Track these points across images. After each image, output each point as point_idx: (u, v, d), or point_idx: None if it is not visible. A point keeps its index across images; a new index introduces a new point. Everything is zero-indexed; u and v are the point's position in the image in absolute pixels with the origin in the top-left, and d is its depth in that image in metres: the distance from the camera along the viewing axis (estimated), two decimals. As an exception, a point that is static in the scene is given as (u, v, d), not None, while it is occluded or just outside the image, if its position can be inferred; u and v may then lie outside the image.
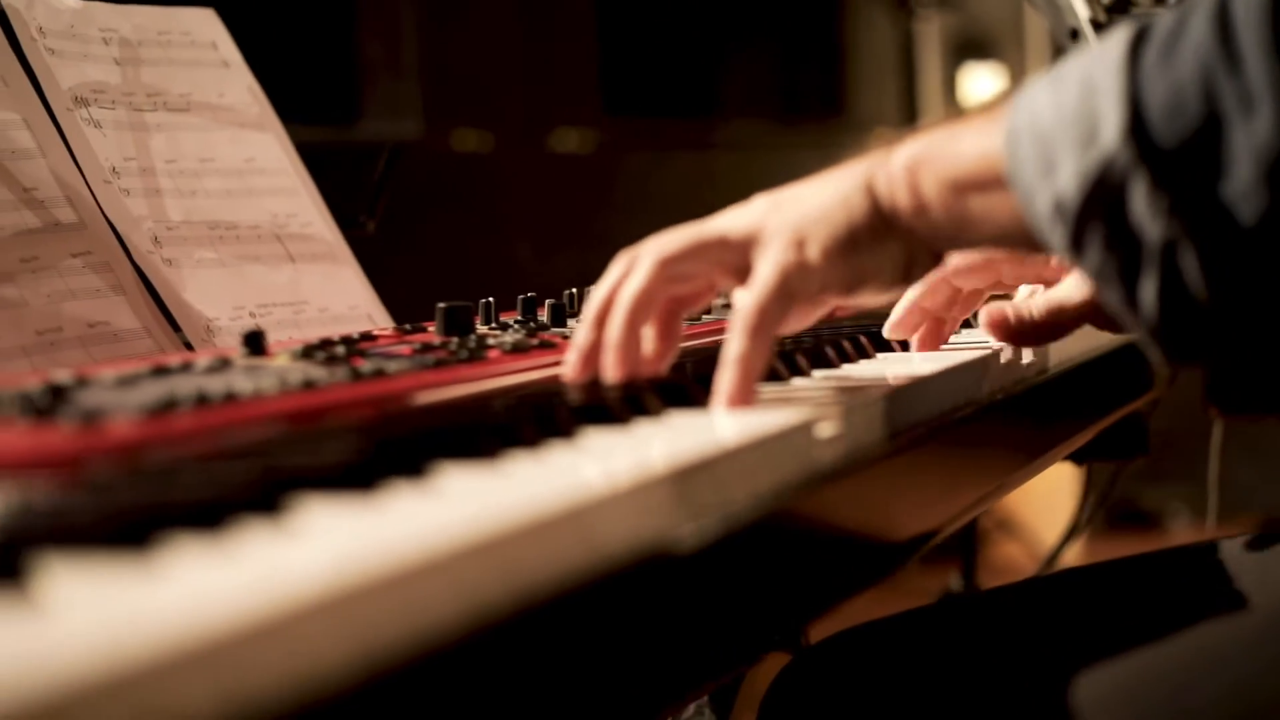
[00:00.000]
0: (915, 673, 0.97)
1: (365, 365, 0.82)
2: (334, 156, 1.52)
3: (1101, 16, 1.50)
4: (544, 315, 1.10)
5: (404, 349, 0.92)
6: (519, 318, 1.11)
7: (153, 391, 0.72)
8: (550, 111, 3.02)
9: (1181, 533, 4.25)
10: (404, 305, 1.31)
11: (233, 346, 1.07)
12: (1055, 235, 0.72)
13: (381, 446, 0.61)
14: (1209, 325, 0.70)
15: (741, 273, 0.83)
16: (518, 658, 0.51)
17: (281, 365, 0.85)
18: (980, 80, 4.26)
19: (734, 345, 0.80)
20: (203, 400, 0.69)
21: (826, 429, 0.74)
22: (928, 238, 0.81)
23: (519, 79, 2.96)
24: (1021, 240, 0.75)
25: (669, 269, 0.83)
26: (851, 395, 0.83)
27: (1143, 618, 0.95)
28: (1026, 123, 0.73)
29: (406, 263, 1.56)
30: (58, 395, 0.70)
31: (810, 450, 0.73)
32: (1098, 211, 0.70)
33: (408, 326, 1.04)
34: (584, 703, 0.54)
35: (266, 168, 1.29)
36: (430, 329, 1.04)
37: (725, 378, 0.79)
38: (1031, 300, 1.02)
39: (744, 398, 0.79)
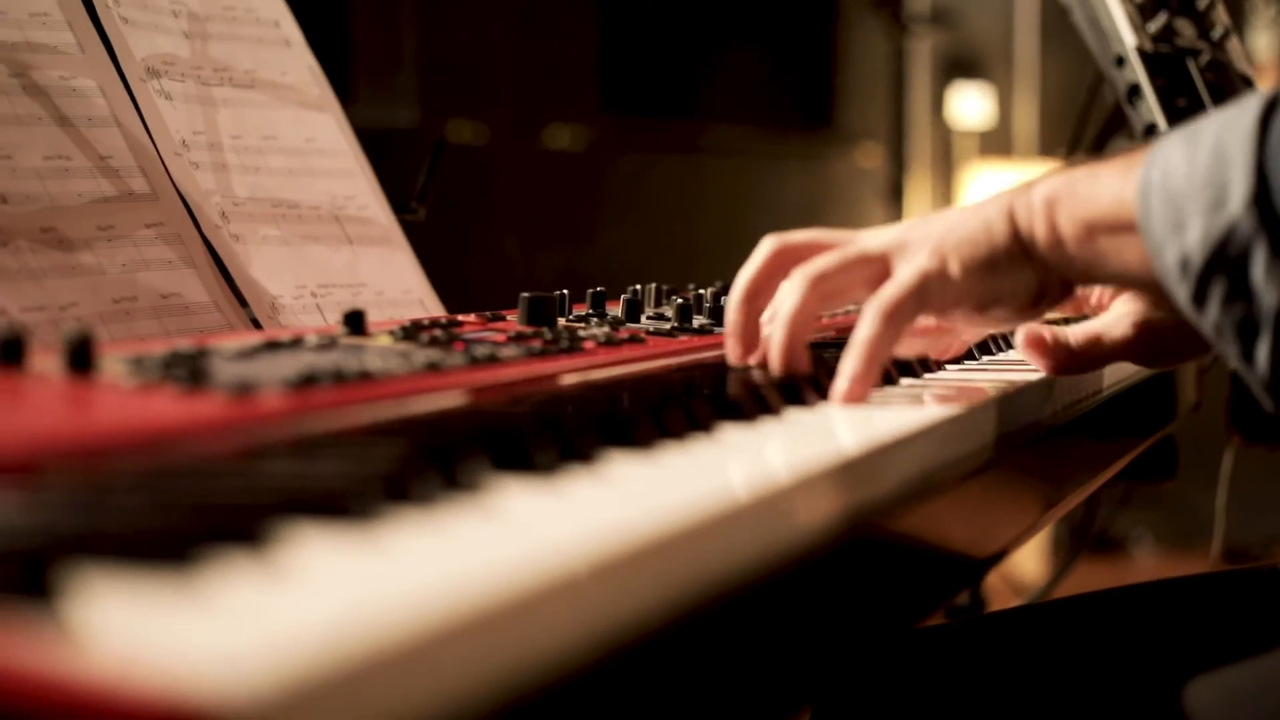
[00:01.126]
0: (955, 686, 0.98)
1: (479, 350, 0.82)
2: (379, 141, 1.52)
3: (1148, 45, 1.52)
4: (618, 310, 1.10)
5: (497, 336, 0.92)
6: (590, 310, 1.11)
7: (285, 365, 0.72)
8: (545, 106, 3.02)
9: (1145, 559, 4.29)
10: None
11: (314, 325, 1.07)
12: (1180, 289, 0.76)
13: (552, 428, 0.61)
14: None
15: (882, 283, 0.85)
16: (717, 640, 0.51)
17: (388, 345, 0.85)
18: (968, 99, 4.28)
19: (865, 329, 0.82)
20: (340, 376, 0.69)
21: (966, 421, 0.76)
22: (1060, 269, 0.85)
23: (516, 72, 2.96)
24: (1147, 285, 0.79)
25: (822, 286, 0.85)
26: (965, 395, 0.85)
27: (1164, 645, 0.97)
28: (1160, 179, 0.77)
29: (442, 251, 1.55)
30: (195, 364, 0.70)
31: (944, 447, 0.74)
32: (1220, 272, 0.74)
33: (489, 315, 1.04)
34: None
35: (326, 148, 1.29)
36: (509, 317, 1.04)
37: (851, 360, 0.82)
38: (1071, 328, 1.02)
39: (867, 381, 0.82)
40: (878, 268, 0.86)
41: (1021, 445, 0.88)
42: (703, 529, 0.51)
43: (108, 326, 1.01)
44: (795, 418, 0.76)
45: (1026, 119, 4.37)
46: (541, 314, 1.01)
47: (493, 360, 0.80)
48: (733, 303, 0.90)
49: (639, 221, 3.17)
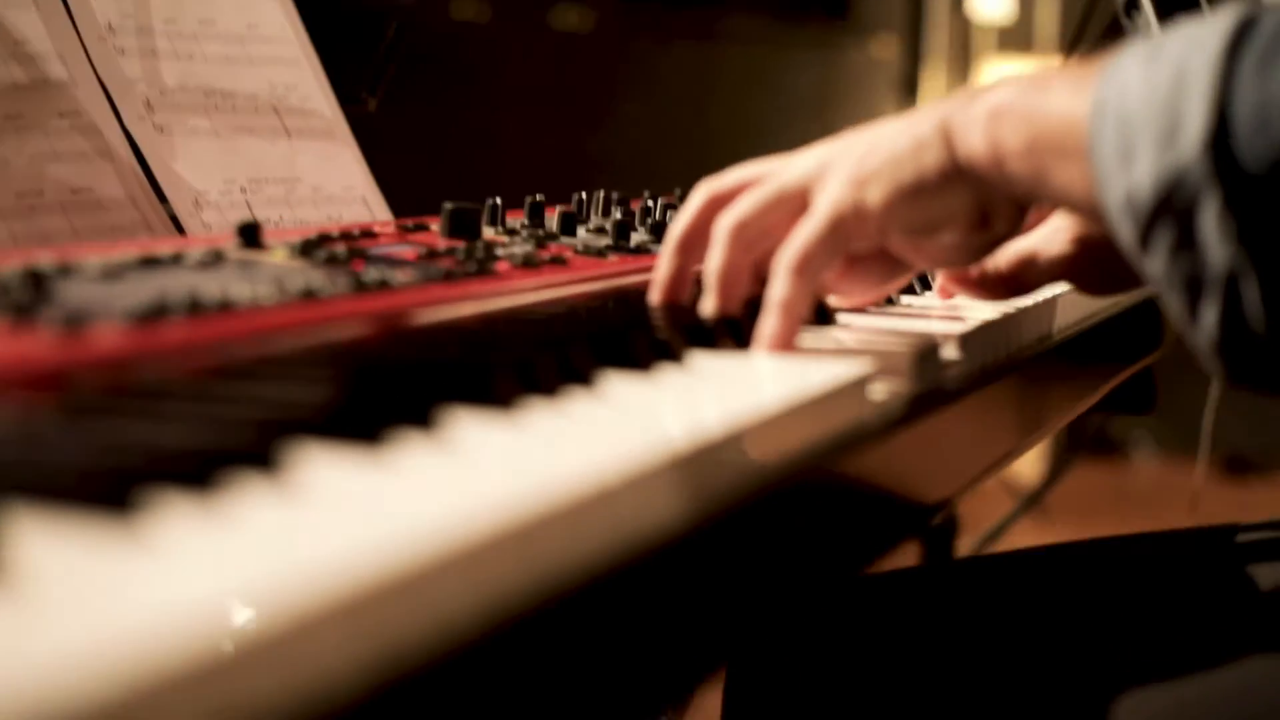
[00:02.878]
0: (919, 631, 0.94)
1: (370, 274, 0.76)
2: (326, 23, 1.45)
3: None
4: (553, 221, 1.04)
5: (408, 252, 0.87)
6: (525, 222, 1.06)
7: (144, 290, 0.67)
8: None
9: (1144, 463, 4.25)
10: (394, 184, 1.25)
11: (226, 233, 1.01)
12: (1123, 228, 0.67)
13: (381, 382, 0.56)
14: (1269, 356, 0.65)
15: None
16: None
17: (279, 263, 0.79)
18: (990, -8, 4.17)
19: (776, 288, 0.75)
20: (195, 307, 0.64)
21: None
22: (1001, 188, 0.75)
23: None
24: (1092, 215, 0.70)
25: (744, 235, 0.79)
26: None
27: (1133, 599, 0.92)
28: (1115, 98, 0.67)
29: (396, 137, 1.49)
30: (36, 288, 0.64)
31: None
32: (1167, 219, 0.65)
33: (410, 224, 0.98)
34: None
35: (269, 35, 1.23)
36: (433, 227, 0.98)
37: (768, 321, 0.75)
38: (1001, 250, 0.95)
39: (787, 339, 0.75)
40: (797, 203, 0.78)
41: (977, 384, 0.81)
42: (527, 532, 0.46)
43: (9, 223, 0.96)
44: (702, 368, 0.70)
45: (1048, 14, 4.24)
46: (464, 226, 0.95)
47: (382, 287, 0.75)
48: (665, 253, 0.84)
49: (648, 110, 3.09)
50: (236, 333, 0.63)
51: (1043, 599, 0.95)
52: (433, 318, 0.74)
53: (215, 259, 0.78)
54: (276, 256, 0.81)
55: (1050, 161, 0.72)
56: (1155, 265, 0.66)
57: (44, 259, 0.72)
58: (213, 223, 1.09)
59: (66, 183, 1.01)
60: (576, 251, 0.95)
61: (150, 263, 0.75)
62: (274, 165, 1.17)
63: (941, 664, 0.91)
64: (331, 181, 1.22)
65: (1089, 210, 0.70)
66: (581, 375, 0.63)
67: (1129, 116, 0.66)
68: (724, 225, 0.79)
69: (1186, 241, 0.65)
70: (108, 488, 0.41)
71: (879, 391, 0.72)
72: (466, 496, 0.45)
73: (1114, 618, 0.91)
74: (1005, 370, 0.88)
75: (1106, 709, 0.82)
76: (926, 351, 0.76)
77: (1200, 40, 0.65)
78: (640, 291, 0.88)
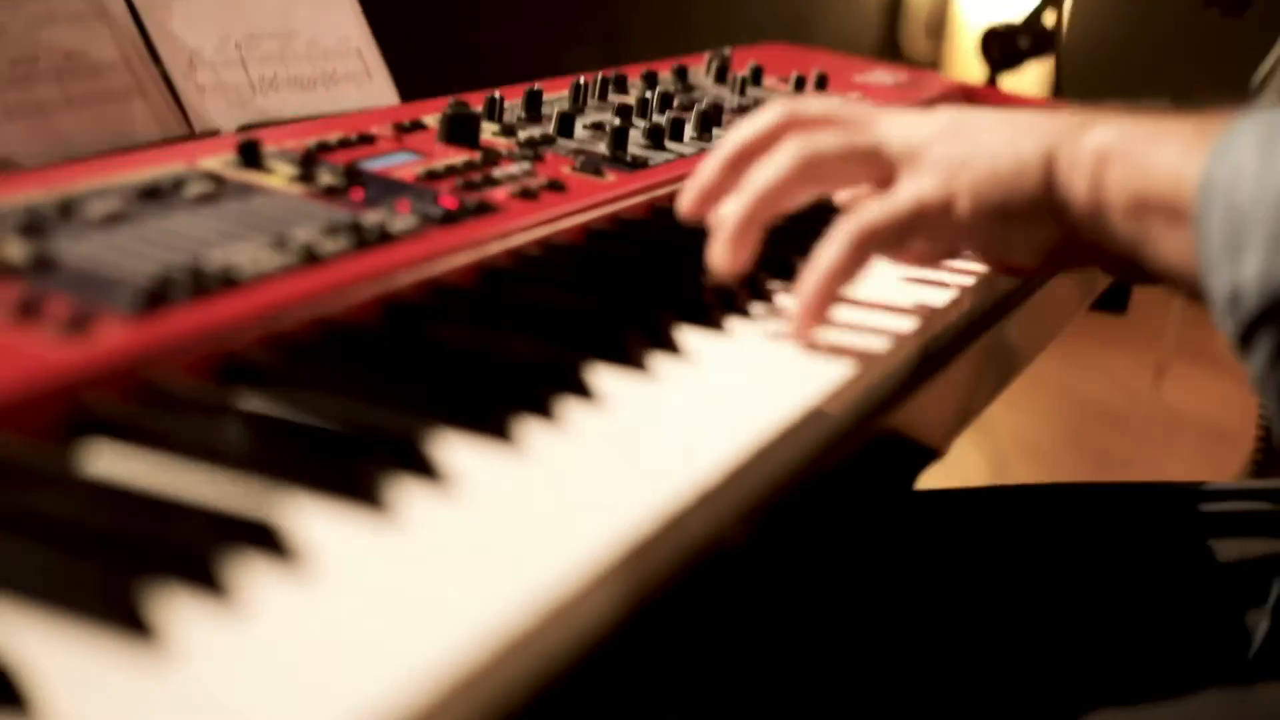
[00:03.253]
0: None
1: (368, 220, 0.76)
2: None
3: None
4: (550, 122, 1.03)
5: (403, 170, 0.87)
6: (522, 115, 1.05)
7: (146, 247, 0.67)
8: None
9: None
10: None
11: (235, 81, 1.00)
12: (1225, 321, 0.65)
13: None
14: None
15: (886, 184, 0.76)
16: None
17: (281, 189, 0.79)
18: None
19: (831, 249, 0.72)
20: (199, 285, 0.64)
21: None
22: (1097, 238, 0.72)
23: None
24: (1189, 292, 0.67)
25: (814, 169, 0.75)
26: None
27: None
28: (1226, 180, 0.64)
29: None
30: (38, 257, 0.64)
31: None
32: (1273, 325, 0.63)
33: (406, 123, 0.97)
34: None
35: (269, -124, 1.19)
36: (429, 123, 0.98)
37: (808, 284, 0.72)
38: None
39: (816, 316, 0.72)
40: (884, 171, 0.76)
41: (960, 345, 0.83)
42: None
43: (2, 95, 0.95)
44: (699, 359, 0.71)
45: None
46: (462, 132, 0.95)
47: (383, 240, 0.75)
48: (713, 161, 0.79)
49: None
50: (243, 316, 0.64)
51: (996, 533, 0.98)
52: (432, 271, 0.75)
53: (217, 186, 0.77)
54: (277, 179, 0.81)
55: (1153, 225, 0.69)
56: (1255, 364, 0.65)
57: (37, 196, 0.71)
58: (207, 84, 1.07)
59: (61, 46, 0.99)
60: (577, 169, 0.94)
61: (151, 194, 0.75)
62: (270, 19, 1.15)
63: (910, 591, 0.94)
64: (327, 34, 1.20)
65: (1187, 286, 0.68)
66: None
67: (1240, 206, 0.64)
68: (797, 146, 0.75)
69: None
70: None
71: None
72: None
73: (1050, 557, 0.94)
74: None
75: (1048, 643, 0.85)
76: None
77: None
78: (635, 221, 0.88)
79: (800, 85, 1.33)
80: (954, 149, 0.75)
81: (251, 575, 0.45)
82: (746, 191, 0.75)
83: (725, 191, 0.79)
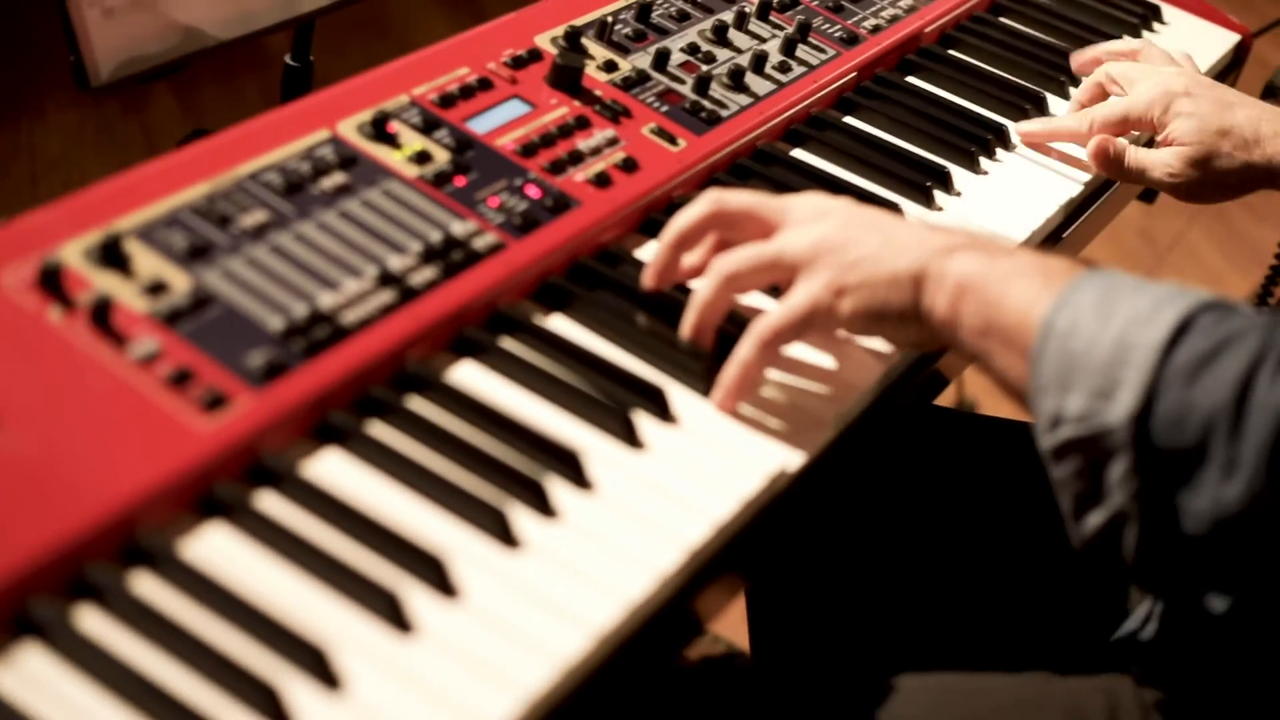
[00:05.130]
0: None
1: (460, 234, 0.97)
2: None
3: None
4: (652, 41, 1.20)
5: (509, 139, 1.06)
6: (630, 34, 1.21)
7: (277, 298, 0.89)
8: None
9: None
10: None
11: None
12: (1043, 436, 0.83)
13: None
14: (1129, 571, 0.83)
15: (788, 284, 0.95)
16: None
17: (401, 170, 0.99)
18: None
19: (743, 349, 0.93)
20: (320, 342, 0.87)
21: None
22: (948, 344, 0.92)
23: None
24: (1016, 400, 0.87)
25: (735, 284, 0.95)
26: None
27: None
28: (1064, 329, 0.82)
29: None
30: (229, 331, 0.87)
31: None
32: (1083, 451, 0.81)
33: (523, 55, 1.14)
34: None
35: None
36: (544, 49, 1.15)
37: (728, 374, 0.94)
38: (1132, 150, 1.26)
39: (739, 394, 0.94)
40: (786, 273, 0.94)
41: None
42: None
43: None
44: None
45: None
46: (567, 81, 1.12)
47: (468, 262, 0.95)
48: (661, 244, 0.99)
49: None
50: (354, 370, 0.86)
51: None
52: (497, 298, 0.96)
53: (350, 175, 0.98)
54: (400, 158, 1.01)
55: (996, 347, 0.88)
56: (1058, 472, 0.83)
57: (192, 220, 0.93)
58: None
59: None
60: (652, 131, 1.13)
61: (295, 188, 0.95)
62: None
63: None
64: None
65: (1014, 396, 0.88)
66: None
67: (1072, 356, 0.81)
68: (721, 269, 0.95)
69: (1094, 475, 0.81)
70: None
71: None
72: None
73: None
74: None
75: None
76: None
77: (1148, 322, 0.80)
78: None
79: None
80: (841, 258, 0.92)
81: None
82: (692, 305, 0.96)
83: (676, 269, 0.99)
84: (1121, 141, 1.26)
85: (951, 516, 1.20)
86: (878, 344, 1.01)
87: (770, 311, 0.94)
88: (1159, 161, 1.25)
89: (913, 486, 1.22)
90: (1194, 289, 0.84)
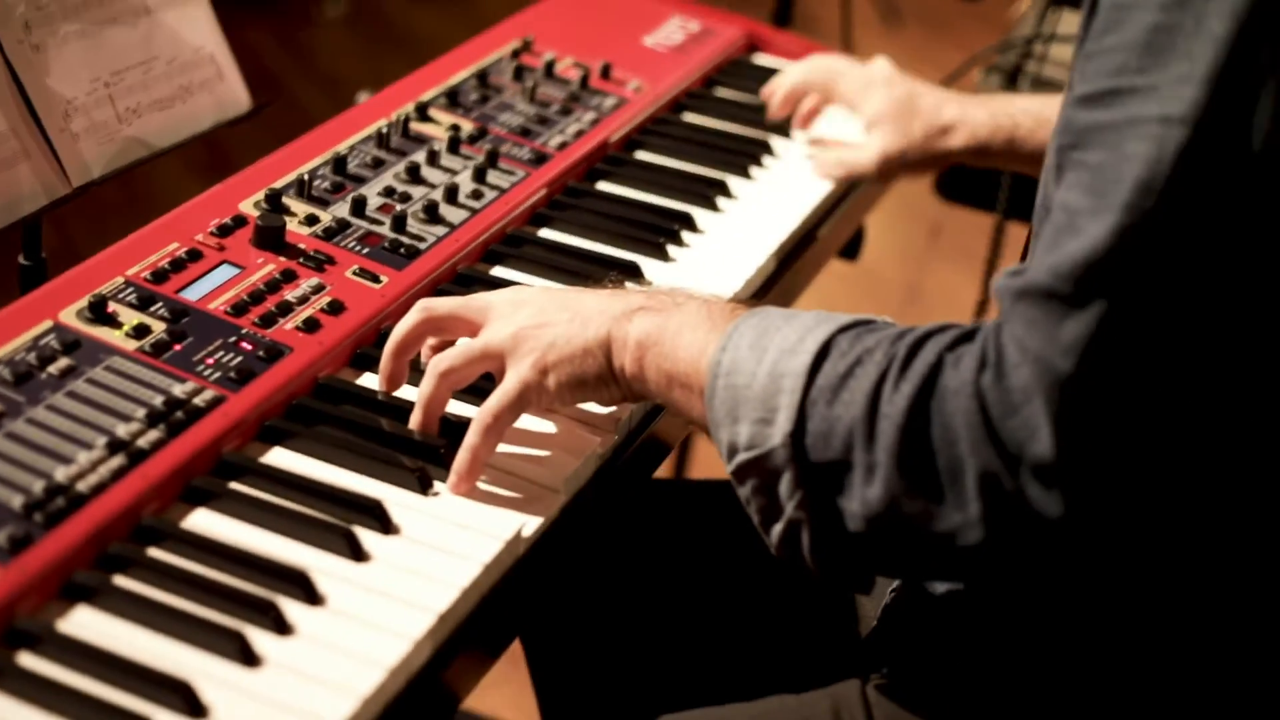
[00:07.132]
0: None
1: (180, 394, 1.07)
2: None
3: None
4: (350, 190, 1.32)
5: (221, 302, 1.16)
6: (328, 188, 1.33)
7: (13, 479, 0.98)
8: None
9: None
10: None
11: (103, 117, 1.25)
12: (727, 464, 0.97)
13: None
14: (814, 570, 0.97)
15: (501, 371, 1.08)
16: None
17: (122, 346, 1.09)
18: None
19: (470, 437, 1.06)
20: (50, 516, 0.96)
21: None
22: (642, 398, 1.07)
23: None
24: (708, 436, 1.00)
25: (450, 379, 1.09)
26: None
27: None
28: (727, 367, 0.97)
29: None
30: None
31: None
32: (757, 471, 0.95)
33: (229, 222, 1.25)
34: None
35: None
36: (248, 214, 1.26)
37: (459, 460, 1.06)
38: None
39: (471, 478, 1.06)
40: (496, 362, 1.08)
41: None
42: None
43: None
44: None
45: None
46: (270, 241, 1.24)
47: (190, 419, 1.06)
48: (385, 355, 1.13)
49: None
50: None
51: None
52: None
53: (74, 358, 1.08)
54: (120, 335, 1.11)
55: (678, 393, 1.03)
56: (743, 491, 0.98)
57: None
58: (80, 130, 1.33)
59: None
60: (356, 273, 1.24)
61: (25, 377, 1.05)
62: (132, 49, 1.40)
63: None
64: (184, 48, 1.44)
65: (705, 431, 1.01)
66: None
67: (737, 391, 0.96)
68: (436, 367, 1.09)
69: (769, 490, 0.96)
70: None
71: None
72: None
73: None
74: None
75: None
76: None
77: (793, 353, 0.94)
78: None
79: (585, 80, 1.60)
80: (539, 341, 1.06)
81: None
82: (417, 405, 1.10)
83: (402, 373, 1.14)
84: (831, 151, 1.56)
85: (692, 572, 1.33)
86: (594, 408, 1.14)
87: (489, 399, 1.07)
88: (863, 153, 1.54)
89: (653, 549, 1.34)
90: (837, 314, 0.98)
